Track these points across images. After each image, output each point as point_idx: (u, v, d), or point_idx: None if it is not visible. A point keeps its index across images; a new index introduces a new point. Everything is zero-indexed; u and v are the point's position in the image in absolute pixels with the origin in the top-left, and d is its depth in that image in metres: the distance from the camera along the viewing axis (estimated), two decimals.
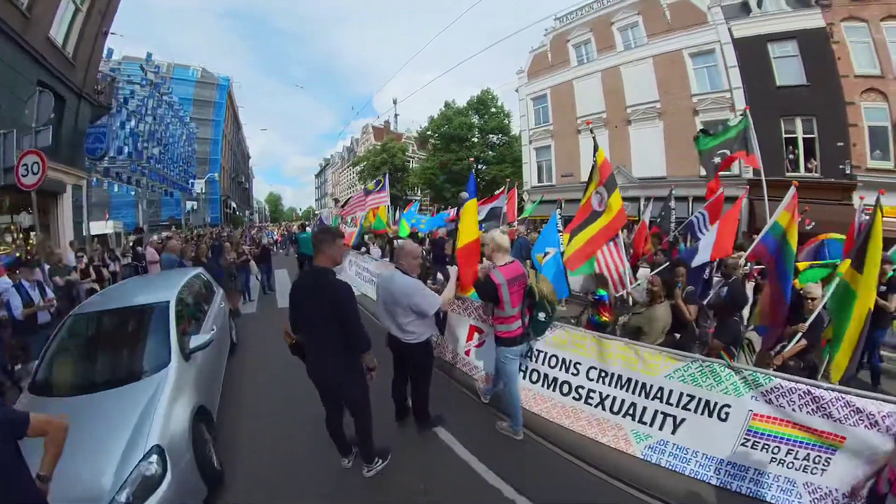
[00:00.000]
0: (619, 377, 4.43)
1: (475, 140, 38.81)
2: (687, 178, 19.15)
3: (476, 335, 5.93)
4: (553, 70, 26.84)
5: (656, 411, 4.16)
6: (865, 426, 3.22)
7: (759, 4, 19.16)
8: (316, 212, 77.50)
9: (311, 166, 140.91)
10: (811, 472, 3.45)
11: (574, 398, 4.80)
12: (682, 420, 3.99)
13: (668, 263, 6.86)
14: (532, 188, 28.05)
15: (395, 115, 61.87)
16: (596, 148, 5.81)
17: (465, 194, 6.09)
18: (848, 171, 16.04)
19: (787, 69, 17.97)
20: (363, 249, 13.34)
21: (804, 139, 17.40)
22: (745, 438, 3.68)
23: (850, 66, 16.49)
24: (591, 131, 7.12)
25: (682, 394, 3.99)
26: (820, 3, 17.19)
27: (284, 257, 22.94)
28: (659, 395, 4.14)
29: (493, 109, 38.53)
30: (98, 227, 19.90)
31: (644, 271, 8.06)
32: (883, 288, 5.98)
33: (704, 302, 5.97)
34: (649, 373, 4.21)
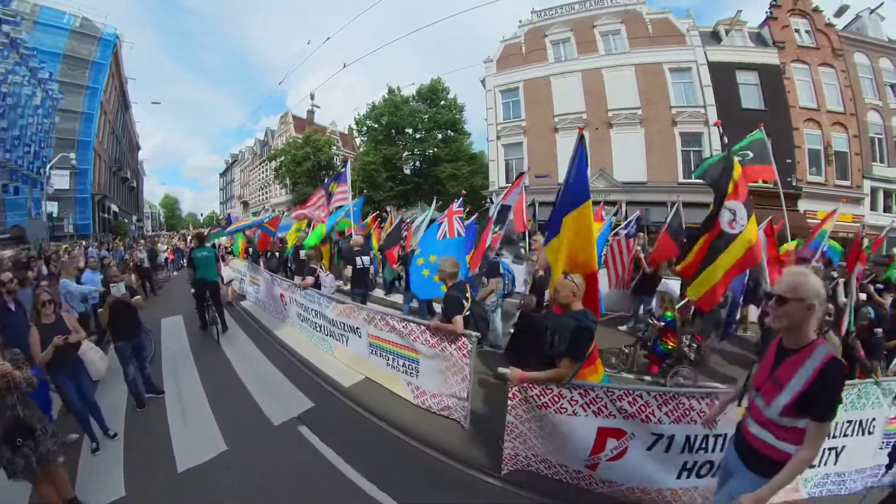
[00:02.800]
0: None
1: (425, 134, 34.38)
2: (666, 185, 21.33)
3: (612, 441, 3.56)
4: (528, 63, 25.75)
5: (823, 449, 3.62)
6: None
7: (728, 34, 22.74)
8: (220, 217, 66.76)
9: (214, 166, 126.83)
10: None
11: None
12: (843, 447, 3.81)
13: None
14: (500, 188, 24.41)
15: (314, 109, 54.06)
16: (731, 158, 5.45)
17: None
18: (794, 184, 19.83)
19: (750, 95, 21.57)
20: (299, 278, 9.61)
21: None
22: (882, 442, 3.90)
23: (797, 98, 21.27)
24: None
25: (845, 422, 3.76)
26: (776, 45, 21.81)
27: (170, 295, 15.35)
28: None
29: (443, 102, 34.39)
30: None
31: (673, 283, 8.22)
32: (881, 286, 6.65)
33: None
34: None
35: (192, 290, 8.88)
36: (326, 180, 10.46)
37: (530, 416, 3.83)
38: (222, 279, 10.83)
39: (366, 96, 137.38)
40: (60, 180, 28.17)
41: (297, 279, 9.91)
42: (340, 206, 10.24)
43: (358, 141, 42.95)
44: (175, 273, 19.12)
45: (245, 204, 65.04)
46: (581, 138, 4.11)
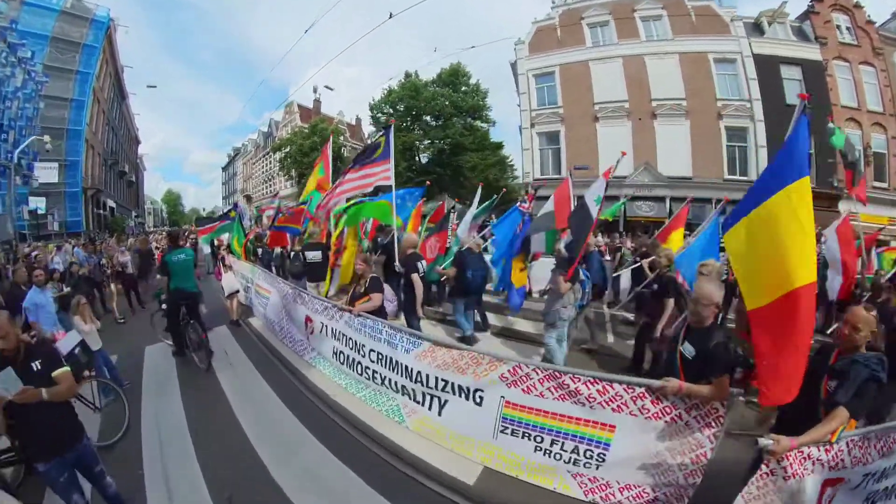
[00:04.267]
0: None
1: (444, 121, 31.89)
2: (711, 181, 20.38)
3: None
4: (564, 47, 23.80)
5: None
6: None
7: (770, 26, 21.50)
8: (223, 210, 64.15)
9: (217, 161, 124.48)
10: None
11: None
12: None
13: None
14: (535, 180, 23.30)
15: (320, 98, 51.40)
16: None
17: None
18: (836, 184, 18.41)
19: (793, 91, 19.85)
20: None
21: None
22: None
23: (838, 96, 20.25)
24: None
25: None
26: (818, 40, 20.80)
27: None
28: None
29: (465, 89, 32.01)
30: None
31: None
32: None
33: None
34: None
35: (163, 306, 7.10)
36: (361, 154, 7.39)
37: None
38: (223, 290, 9.18)
39: (369, 89, 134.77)
40: (48, 173, 25.98)
41: (312, 288, 8.29)
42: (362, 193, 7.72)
43: (368, 130, 40.62)
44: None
45: (248, 198, 62.16)
46: (804, 107, 3.10)
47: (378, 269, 12.18)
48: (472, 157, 30.79)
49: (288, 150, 41.23)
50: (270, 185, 56.75)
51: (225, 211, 13.20)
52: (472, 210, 9.35)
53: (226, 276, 9.32)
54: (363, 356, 5.44)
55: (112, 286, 11.00)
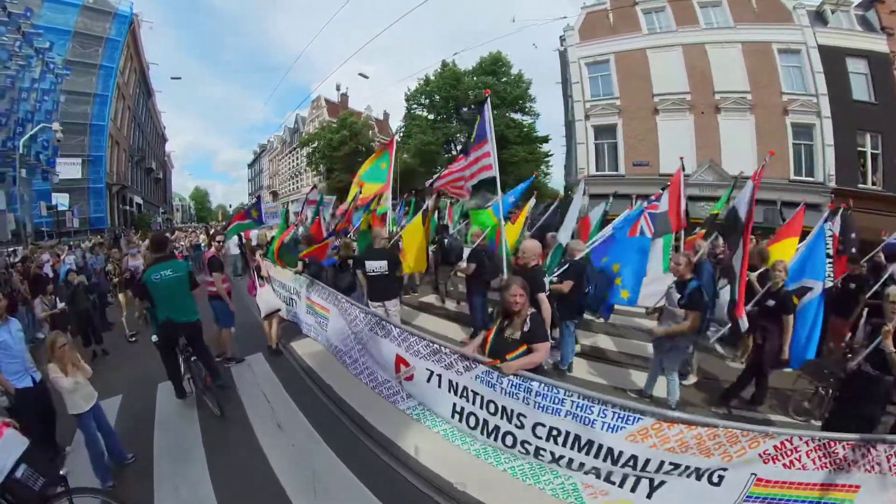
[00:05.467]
0: None
1: (496, 111, 29.67)
2: (776, 181, 18.42)
3: None
4: (618, 33, 21.87)
5: None
6: None
7: (833, 14, 19.55)
8: (244, 205, 63.15)
9: (243, 159, 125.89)
10: None
11: None
12: None
13: None
14: (590, 177, 21.03)
15: (347, 93, 50.14)
16: None
17: None
18: None
19: (860, 86, 18.76)
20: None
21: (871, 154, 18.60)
22: None
23: None
24: None
25: None
26: (884, 31, 18.80)
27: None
28: None
29: (504, 79, 30.03)
30: None
31: None
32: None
33: None
34: None
35: (155, 339, 5.29)
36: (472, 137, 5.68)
37: None
38: (258, 310, 7.11)
39: (390, 87, 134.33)
40: (70, 169, 25.41)
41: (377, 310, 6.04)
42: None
43: (395, 126, 39.29)
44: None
45: (274, 194, 61.68)
46: None
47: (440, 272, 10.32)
48: (519, 151, 28.89)
49: (316, 144, 39.91)
50: (297, 181, 55.35)
51: (249, 206, 10.99)
52: (577, 207, 7.45)
53: (262, 293, 7.10)
54: (521, 428, 3.84)
55: (120, 296, 9.19)
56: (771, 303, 5.06)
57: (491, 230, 7.04)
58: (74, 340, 7.03)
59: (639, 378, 5.83)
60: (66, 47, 25.07)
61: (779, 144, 19.06)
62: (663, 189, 6.27)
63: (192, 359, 5.24)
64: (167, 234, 7.10)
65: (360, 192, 7.48)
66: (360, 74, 23.43)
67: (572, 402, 3.49)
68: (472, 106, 30.27)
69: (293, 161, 57.08)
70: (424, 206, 7.70)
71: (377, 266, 6.20)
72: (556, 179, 32.72)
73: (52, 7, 24.71)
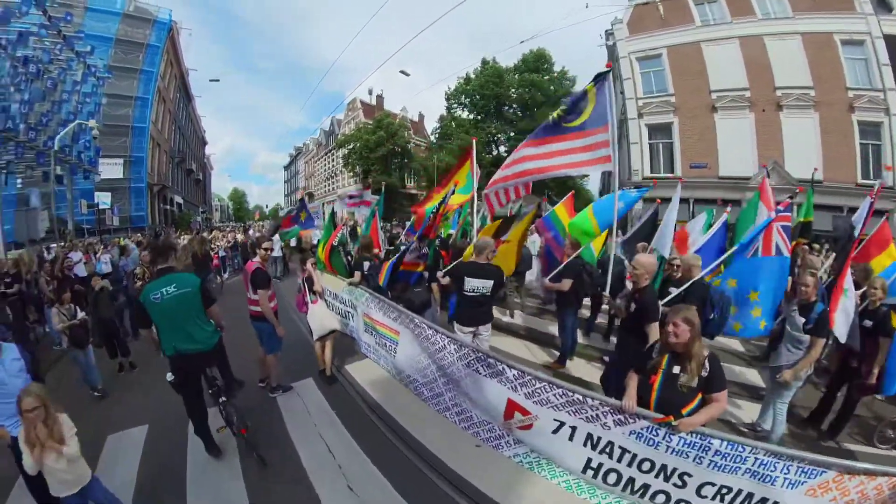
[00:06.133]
0: None
1: (541, 109, 28.69)
2: (843, 185, 17.30)
3: None
4: (669, 26, 20.60)
5: None
6: None
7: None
8: (282, 210, 63.85)
9: (279, 162, 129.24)
10: None
11: None
12: None
13: None
14: (645, 178, 19.89)
15: (381, 95, 50.05)
16: None
17: None
18: None
19: None
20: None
21: None
22: None
23: None
24: None
25: None
26: None
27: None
28: None
29: (546, 77, 29.05)
30: None
31: None
32: None
33: None
34: None
35: (170, 378, 3.90)
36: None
37: None
38: (311, 332, 5.75)
39: (425, 89, 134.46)
40: (112, 169, 26.33)
41: (467, 335, 4.83)
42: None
43: (430, 128, 38.70)
44: (226, 277, 14.23)
45: (310, 195, 62.28)
46: None
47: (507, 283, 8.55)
48: None
49: (352, 146, 39.86)
50: (333, 182, 55.75)
51: (294, 211, 10.12)
52: (674, 214, 6.37)
53: (315, 310, 5.73)
54: (681, 487, 3.20)
55: None
56: (868, 323, 4.56)
57: (585, 239, 5.90)
58: (99, 352, 6.29)
59: (745, 409, 5.10)
60: (109, 53, 25.89)
61: (845, 144, 17.80)
62: (791, 197, 5.10)
63: (222, 401, 4.14)
64: (173, 239, 5.71)
65: (445, 201, 6.26)
66: (402, 72, 23.03)
67: (756, 459, 2.94)
68: (516, 105, 29.30)
69: (329, 163, 57.48)
70: (530, 208, 6.70)
71: (480, 285, 4.77)
72: (591, 182, 31.18)
73: (94, 16, 25.78)
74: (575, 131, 4.35)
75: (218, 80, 40.96)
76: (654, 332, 3.66)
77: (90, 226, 23.49)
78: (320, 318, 5.69)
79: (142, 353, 6.83)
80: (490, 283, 4.80)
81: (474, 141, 6.18)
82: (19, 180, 17.96)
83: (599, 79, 4.17)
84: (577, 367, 6.13)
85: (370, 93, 47.69)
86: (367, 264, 6.57)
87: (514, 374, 3.83)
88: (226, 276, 14.28)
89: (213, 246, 14.36)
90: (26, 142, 14.92)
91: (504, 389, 3.91)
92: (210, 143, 61.12)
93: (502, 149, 31.26)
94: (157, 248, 4.17)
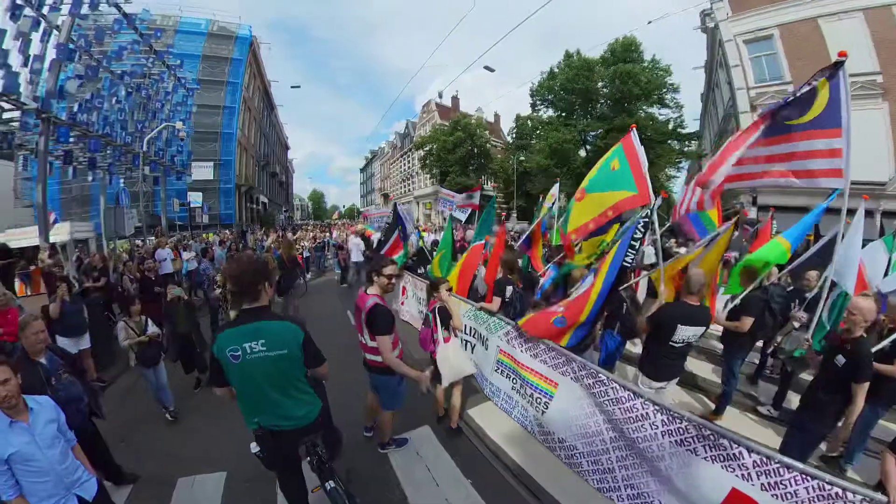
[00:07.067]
0: None
1: (634, 104, 26.80)
2: None
3: None
4: (778, 0, 17.41)
5: None
6: None
7: None
8: (362, 211, 65.36)
9: (355, 166, 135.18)
10: None
11: None
12: None
13: None
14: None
15: (456, 97, 49.67)
16: None
17: None
18: None
19: None
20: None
21: None
22: None
23: None
24: None
25: None
26: None
27: None
28: None
29: (635, 68, 26.59)
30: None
31: None
32: None
33: None
34: None
35: (255, 449, 2.80)
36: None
37: None
38: (437, 376, 4.36)
39: (498, 90, 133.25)
40: (204, 171, 28.87)
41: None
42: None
43: (506, 128, 37.49)
44: (309, 277, 13.92)
45: (385, 196, 63.65)
46: None
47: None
48: (664, 149, 25.51)
49: (429, 147, 39.75)
50: (408, 184, 56.42)
51: (398, 231, 8.66)
52: (858, 235, 4.87)
53: (449, 350, 4.35)
54: None
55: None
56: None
57: (764, 266, 4.84)
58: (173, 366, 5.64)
59: None
60: (197, 68, 28.49)
61: None
62: None
63: (331, 486, 2.90)
64: (262, 260, 3.72)
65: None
66: (486, 67, 22.46)
67: None
68: (605, 100, 27.29)
69: (404, 165, 58.22)
70: (726, 227, 5.00)
71: (692, 334, 3.79)
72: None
73: (183, 37, 28.78)
74: (799, 130, 3.40)
75: (299, 87, 43.74)
76: (861, 393, 2.67)
77: (182, 222, 25.94)
78: (454, 361, 4.35)
79: None
80: (701, 330, 3.86)
81: (634, 129, 4.86)
82: (122, 180, 19.45)
83: (830, 71, 3.20)
84: (730, 417, 4.89)
85: (440, 96, 47.82)
86: (509, 289, 5.37)
87: (754, 461, 2.77)
88: (308, 276, 14.25)
89: (298, 247, 14.16)
90: (124, 145, 16.21)
91: (729, 477, 2.87)
92: (292, 148, 64.88)
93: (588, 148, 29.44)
94: (242, 280, 2.56)
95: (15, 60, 10.03)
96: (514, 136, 37.24)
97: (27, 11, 9.91)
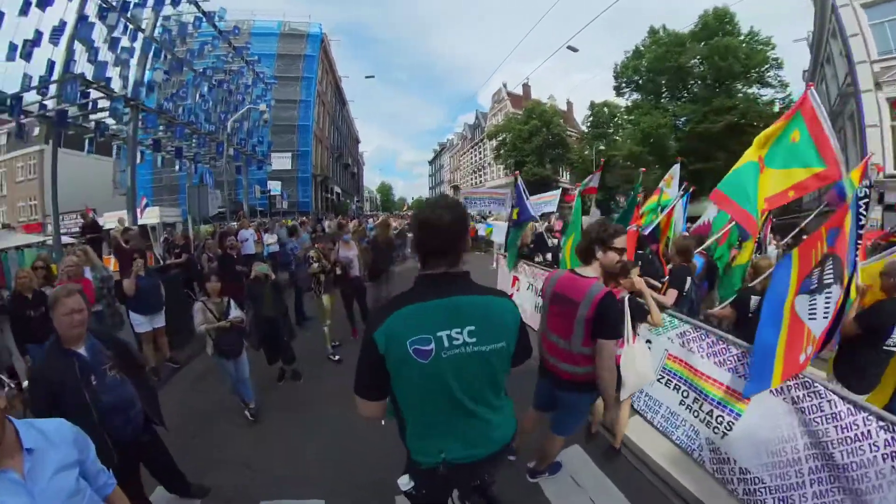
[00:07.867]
0: None
1: (733, 84, 24.14)
2: None
3: None
4: None
5: None
6: None
7: None
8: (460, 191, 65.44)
9: (421, 160, 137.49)
10: None
11: None
12: None
13: None
14: (887, 176, 13.98)
15: (527, 84, 47.60)
16: None
17: None
18: None
19: None
20: None
21: None
22: None
23: None
24: None
25: None
26: None
27: None
28: None
29: (735, 42, 23.77)
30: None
31: None
32: None
33: None
34: None
35: (408, 485, 1.72)
36: None
37: None
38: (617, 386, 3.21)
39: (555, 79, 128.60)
40: (282, 161, 30.56)
41: None
42: None
43: (579, 117, 35.51)
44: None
45: (456, 188, 63.40)
46: None
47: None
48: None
49: (502, 137, 38.72)
50: (479, 175, 55.61)
51: (515, 200, 7.62)
52: None
53: (636, 352, 3.38)
54: None
55: (325, 298, 6.20)
56: None
57: None
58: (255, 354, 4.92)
59: None
60: (273, 66, 30.11)
61: None
62: None
63: None
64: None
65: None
66: (570, 48, 20.85)
67: None
68: (699, 80, 24.75)
69: (475, 156, 57.53)
70: None
71: None
72: None
73: (258, 38, 29.97)
74: None
75: (373, 77, 44.63)
76: None
77: (263, 208, 27.47)
78: (639, 369, 3.38)
79: (308, 359, 5.66)
80: None
81: (811, 88, 3.85)
82: (207, 168, 20.64)
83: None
84: None
85: (504, 86, 46.32)
86: (688, 280, 4.56)
87: None
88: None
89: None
90: (208, 134, 17.41)
91: None
92: (362, 142, 66.89)
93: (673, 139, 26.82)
94: (453, 230, 1.59)
95: (105, 55, 10.75)
96: (589, 124, 35.53)
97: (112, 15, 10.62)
